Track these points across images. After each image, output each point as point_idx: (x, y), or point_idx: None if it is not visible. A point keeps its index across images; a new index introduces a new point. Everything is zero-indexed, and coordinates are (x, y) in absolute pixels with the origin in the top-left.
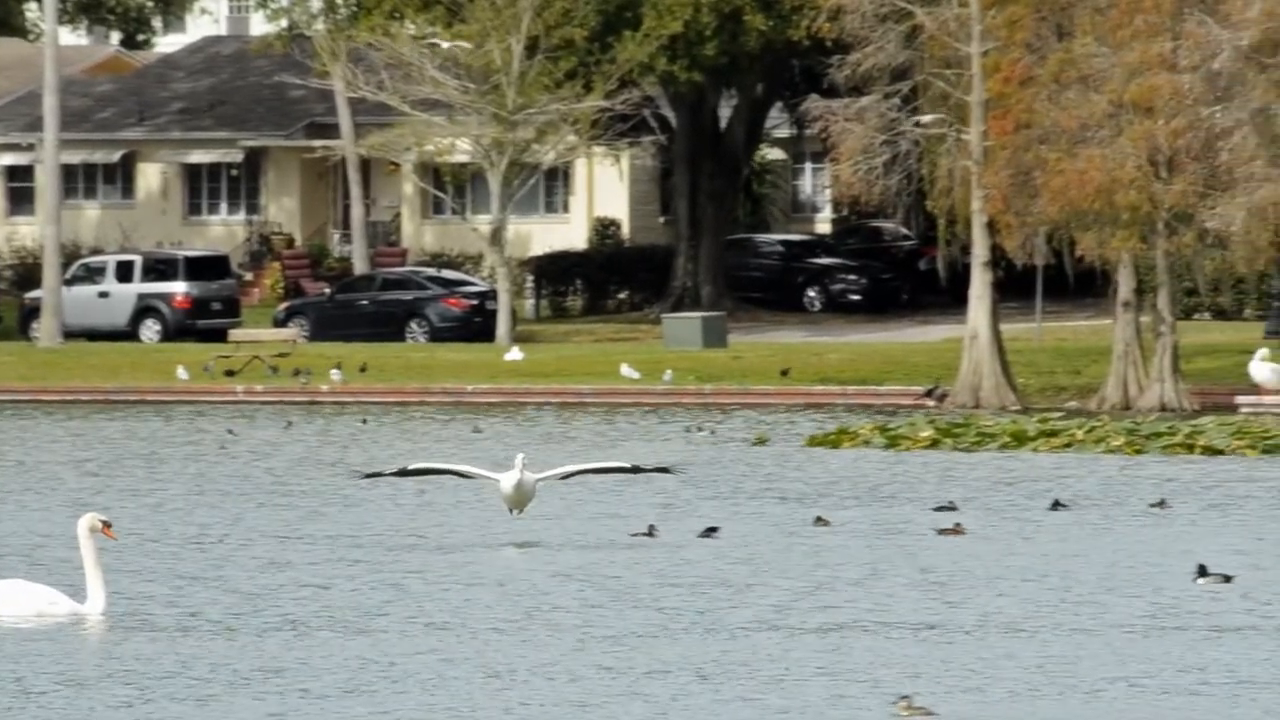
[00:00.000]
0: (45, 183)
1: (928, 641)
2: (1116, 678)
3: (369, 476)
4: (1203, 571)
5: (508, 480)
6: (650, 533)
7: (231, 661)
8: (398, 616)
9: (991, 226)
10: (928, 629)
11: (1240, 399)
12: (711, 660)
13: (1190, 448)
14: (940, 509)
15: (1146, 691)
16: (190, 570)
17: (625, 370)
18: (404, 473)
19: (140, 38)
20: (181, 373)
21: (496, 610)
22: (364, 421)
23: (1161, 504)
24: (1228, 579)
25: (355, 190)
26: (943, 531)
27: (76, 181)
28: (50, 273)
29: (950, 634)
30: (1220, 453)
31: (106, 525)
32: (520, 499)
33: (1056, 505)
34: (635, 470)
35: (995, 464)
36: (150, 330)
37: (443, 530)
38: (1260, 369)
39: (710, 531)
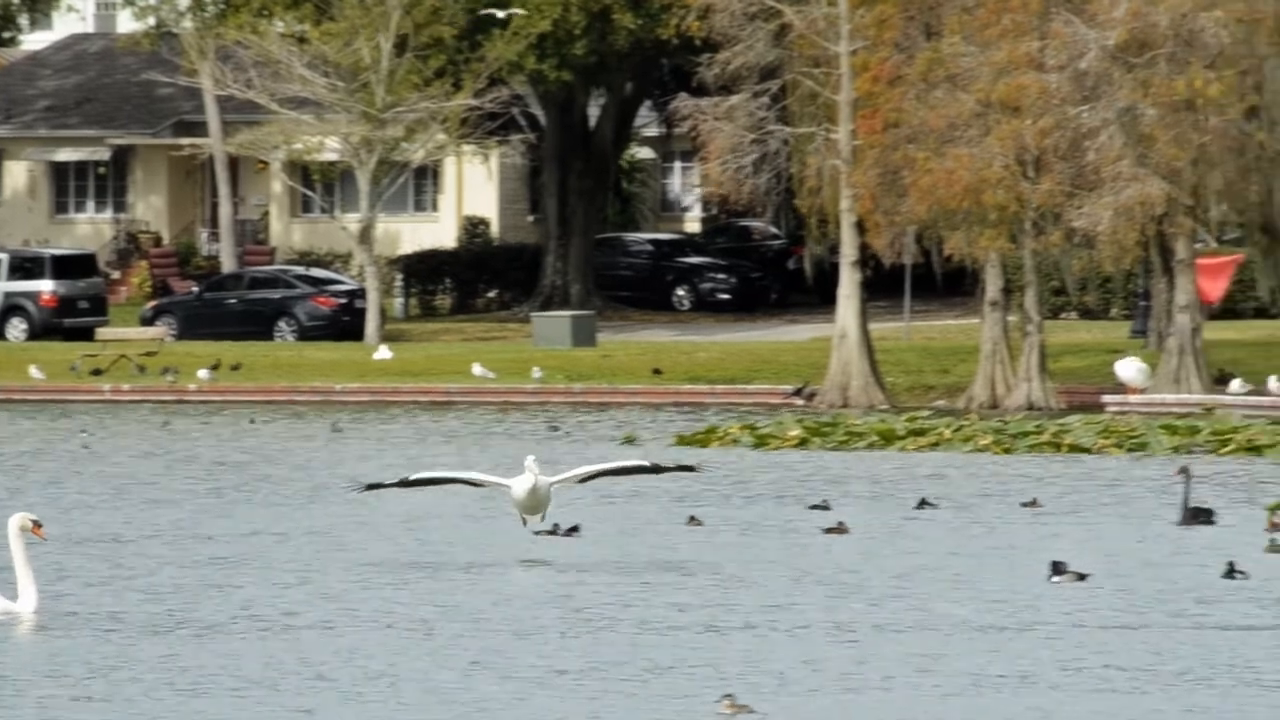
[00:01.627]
0: None
1: (757, 639)
2: (955, 673)
3: (370, 488)
4: (1057, 569)
5: (520, 485)
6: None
7: (163, 660)
8: (312, 616)
9: (860, 226)
10: (754, 627)
11: (1106, 398)
12: (543, 661)
13: (1057, 446)
14: (815, 507)
15: (984, 688)
16: (108, 571)
17: (477, 370)
18: (405, 483)
19: (6, 35)
20: (35, 372)
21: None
22: (252, 421)
23: (1033, 503)
24: (1082, 577)
25: (223, 189)
26: (829, 530)
27: None
28: None
29: (779, 632)
30: (1086, 451)
31: (37, 525)
32: (534, 505)
33: (923, 504)
34: (656, 470)
35: (864, 463)
36: (16, 329)
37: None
38: (1126, 367)
39: (572, 531)
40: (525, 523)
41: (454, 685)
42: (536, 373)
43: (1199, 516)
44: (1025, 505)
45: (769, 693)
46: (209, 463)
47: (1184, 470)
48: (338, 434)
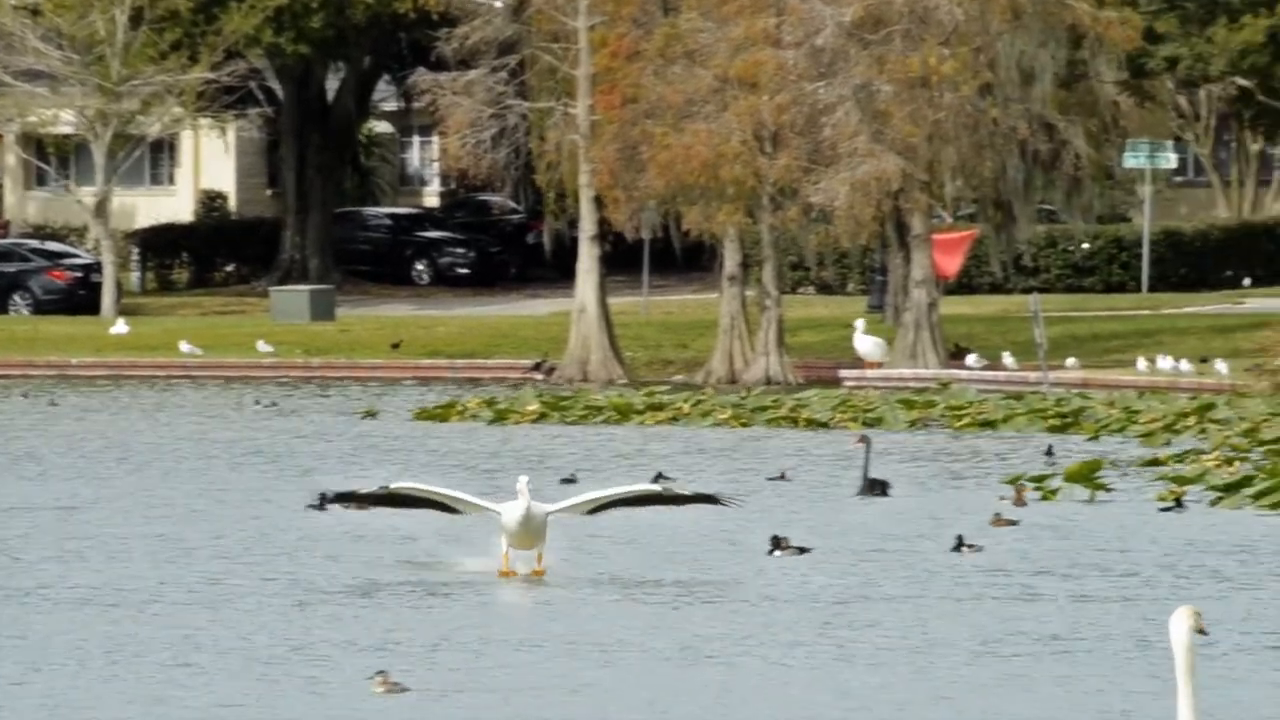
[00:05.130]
0: None
1: (418, 614)
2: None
3: (339, 499)
4: (777, 544)
5: (512, 512)
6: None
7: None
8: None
9: (599, 200)
10: (421, 600)
11: (844, 373)
12: (185, 637)
13: (795, 421)
14: (566, 481)
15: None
16: None
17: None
18: (377, 500)
19: None
20: None
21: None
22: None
23: (781, 476)
24: (803, 551)
25: None
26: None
27: None
28: None
29: (440, 605)
30: (824, 426)
31: None
32: (526, 535)
33: (659, 477)
34: (677, 500)
35: (604, 437)
36: None
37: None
38: (864, 342)
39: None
40: (511, 551)
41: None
42: (262, 346)
43: (874, 488)
44: (771, 479)
45: (423, 668)
46: None
47: (864, 440)
48: (54, 407)
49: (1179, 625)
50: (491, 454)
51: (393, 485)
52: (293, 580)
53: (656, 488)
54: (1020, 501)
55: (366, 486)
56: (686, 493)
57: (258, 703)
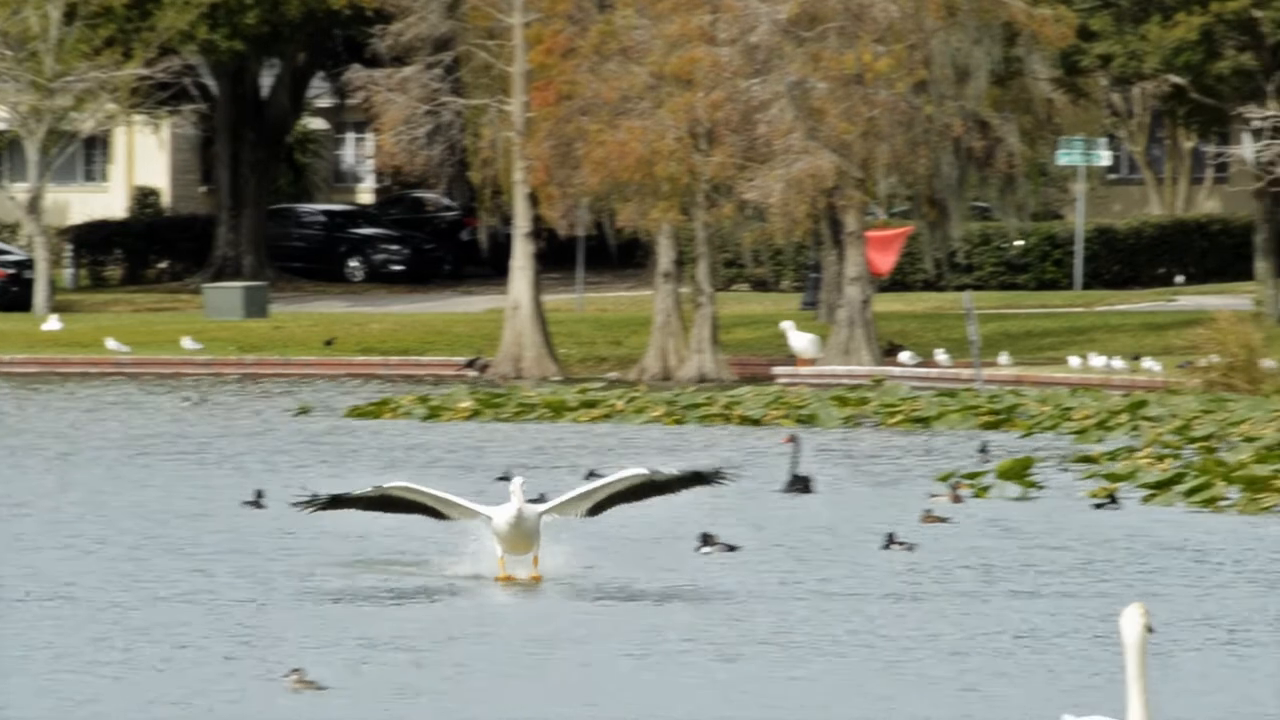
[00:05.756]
0: None
1: (332, 614)
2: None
3: (330, 504)
4: (706, 540)
5: (502, 516)
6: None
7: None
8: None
9: (533, 197)
10: (332, 601)
11: (777, 369)
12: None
13: (728, 418)
14: (501, 479)
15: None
16: None
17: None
18: (368, 502)
19: None
20: None
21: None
22: None
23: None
24: (732, 549)
25: None
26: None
27: None
28: None
29: (352, 605)
30: (757, 423)
31: None
32: (519, 539)
33: (591, 475)
34: (671, 485)
35: (537, 435)
36: None
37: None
38: (798, 339)
39: (259, 499)
40: (505, 557)
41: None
42: (188, 343)
43: (796, 484)
44: None
45: (338, 666)
46: None
47: (793, 438)
48: None
49: (1131, 623)
50: (423, 449)
51: (385, 486)
52: (218, 576)
53: (645, 472)
54: (955, 499)
55: (357, 489)
56: (678, 474)
57: (171, 700)
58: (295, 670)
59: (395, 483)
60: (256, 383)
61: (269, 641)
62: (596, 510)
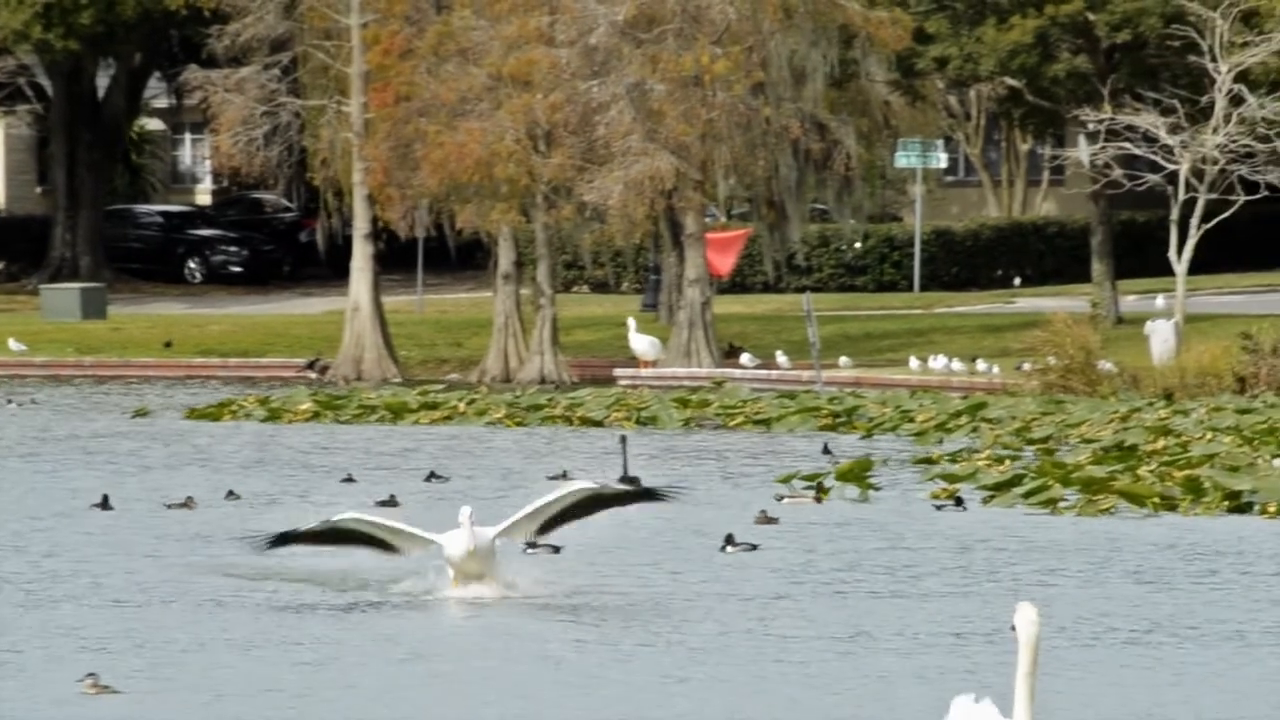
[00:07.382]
0: None
1: (119, 615)
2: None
3: (280, 541)
4: (530, 543)
5: (454, 543)
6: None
7: None
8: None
9: (373, 199)
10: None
11: (618, 371)
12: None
13: (569, 420)
14: (345, 481)
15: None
16: None
17: None
18: (317, 537)
19: None
20: None
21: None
22: None
23: (564, 475)
24: (556, 550)
25: None
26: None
27: None
28: None
29: (150, 609)
30: (598, 424)
31: None
32: (474, 565)
33: (432, 477)
34: (619, 500)
35: (377, 437)
36: None
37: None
38: (638, 340)
39: (105, 502)
40: (457, 585)
41: None
42: (14, 345)
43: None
44: (553, 478)
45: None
46: None
47: (622, 439)
48: None
49: (1026, 621)
50: (262, 450)
51: (333, 519)
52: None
53: (594, 486)
54: (794, 501)
55: (306, 524)
56: (627, 490)
57: None
58: (90, 674)
59: (343, 515)
60: (96, 384)
61: (76, 643)
62: (547, 528)
